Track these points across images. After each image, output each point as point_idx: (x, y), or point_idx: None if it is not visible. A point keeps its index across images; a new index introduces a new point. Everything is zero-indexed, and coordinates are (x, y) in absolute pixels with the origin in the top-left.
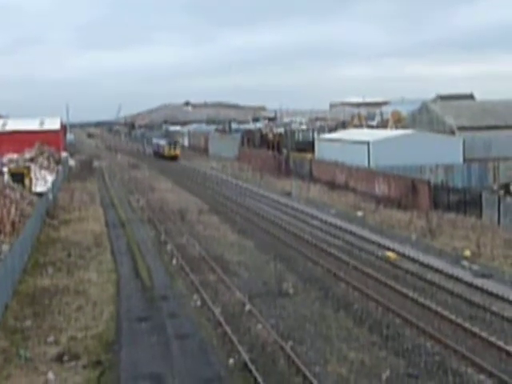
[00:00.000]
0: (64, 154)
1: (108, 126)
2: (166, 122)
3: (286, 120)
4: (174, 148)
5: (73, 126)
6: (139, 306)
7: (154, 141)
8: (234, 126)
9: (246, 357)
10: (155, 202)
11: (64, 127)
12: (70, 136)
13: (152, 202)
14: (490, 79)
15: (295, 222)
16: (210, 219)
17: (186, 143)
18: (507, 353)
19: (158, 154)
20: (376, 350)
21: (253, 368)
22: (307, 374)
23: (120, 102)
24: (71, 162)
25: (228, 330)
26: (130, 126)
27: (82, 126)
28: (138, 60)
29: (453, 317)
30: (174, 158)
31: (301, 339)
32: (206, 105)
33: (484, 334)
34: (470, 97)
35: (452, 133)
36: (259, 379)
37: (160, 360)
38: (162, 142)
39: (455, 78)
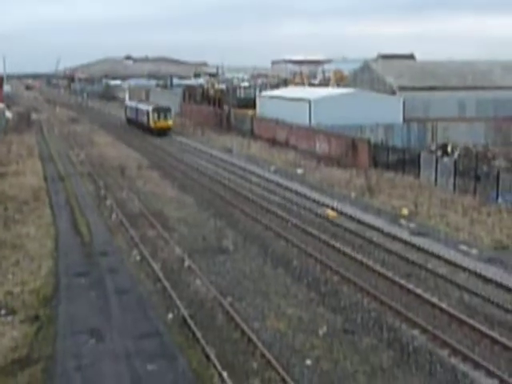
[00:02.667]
0: (0, 106)
1: (47, 78)
2: (106, 76)
3: (227, 76)
4: (165, 117)
5: (10, 77)
6: (78, 261)
7: (130, 104)
8: (175, 81)
9: (184, 312)
10: (95, 157)
11: (0, 78)
12: (6, 87)
13: (92, 156)
14: (430, 40)
15: (235, 178)
16: (151, 175)
17: (127, 98)
18: (440, 309)
19: (138, 125)
20: (314, 306)
21: (192, 323)
22: (245, 329)
23: (59, 54)
24: (8, 114)
25: (167, 285)
26: (70, 79)
27: (20, 77)
28: (78, 12)
29: (389, 274)
30: (163, 132)
31: (240, 295)
32: (147, 59)
33: (419, 291)
34: (411, 57)
35: (392, 92)
36: (198, 334)
37: (98, 315)
38: (145, 108)
39: (396, 37)
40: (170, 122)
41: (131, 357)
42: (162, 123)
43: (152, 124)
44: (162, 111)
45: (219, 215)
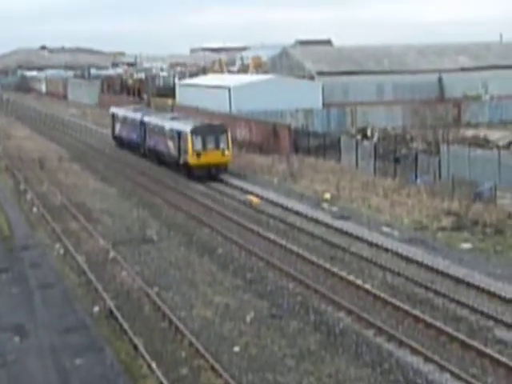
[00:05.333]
0: None
1: None
2: (20, 66)
3: (146, 65)
4: (216, 145)
5: None
6: None
7: (126, 115)
8: (93, 71)
9: (111, 304)
10: (13, 150)
11: None
12: None
13: (9, 149)
14: (347, 25)
15: (157, 168)
16: (72, 167)
17: (44, 89)
18: (365, 290)
19: (150, 154)
20: (240, 293)
21: (118, 315)
22: (173, 318)
23: None
24: None
25: (92, 277)
26: None
27: None
28: None
29: (314, 258)
30: (210, 172)
31: (166, 285)
32: (63, 50)
33: (343, 274)
34: (328, 42)
35: (311, 78)
36: (125, 326)
37: (22, 311)
38: (174, 127)
39: (314, 23)
40: (227, 154)
41: (57, 352)
42: (210, 156)
43: (191, 159)
44: (211, 133)
45: (142, 205)
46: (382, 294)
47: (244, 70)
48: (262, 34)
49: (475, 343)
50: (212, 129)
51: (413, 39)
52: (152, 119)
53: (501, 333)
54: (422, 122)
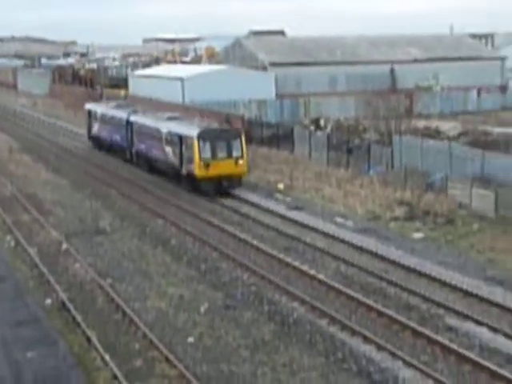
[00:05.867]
0: None
1: None
2: None
3: (98, 56)
4: (229, 153)
5: None
6: None
7: (109, 113)
8: (44, 61)
9: (63, 296)
10: None
11: None
12: None
13: None
14: (300, 16)
15: (110, 159)
16: (22, 158)
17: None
18: (318, 280)
19: (146, 162)
20: (194, 284)
21: (71, 307)
22: (126, 310)
23: None
24: None
25: (44, 270)
26: None
27: None
28: None
29: (268, 249)
30: (221, 184)
31: (120, 276)
32: (13, 39)
33: (297, 264)
34: (281, 33)
35: (264, 68)
36: (78, 318)
37: None
38: (175, 129)
39: (267, 14)
40: (242, 163)
41: (9, 345)
42: (222, 166)
43: (198, 169)
44: (223, 139)
45: (95, 196)
46: (336, 284)
47: (197, 60)
48: (216, 25)
49: (426, 331)
50: (223, 133)
51: (366, 31)
52: (142, 119)
53: (451, 321)
54: (374, 112)
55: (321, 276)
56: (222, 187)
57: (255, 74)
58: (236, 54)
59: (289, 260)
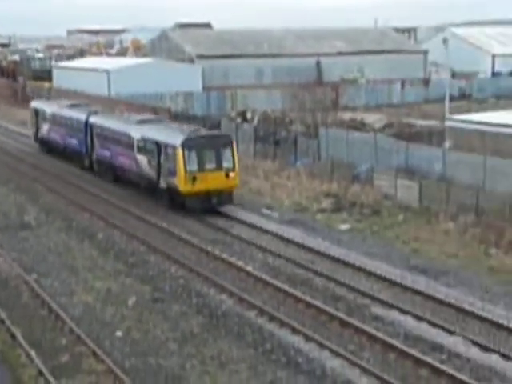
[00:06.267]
0: None
1: None
2: None
3: (20, 47)
4: (218, 164)
5: None
6: None
7: (60, 113)
8: None
9: None
10: None
11: None
12: None
13: None
14: (226, 8)
15: (35, 152)
16: None
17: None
18: (247, 272)
19: (109, 171)
20: (122, 277)
21: None
22: (53, 305)
23: None
24: None
25: None
26: None
27: None
28: None
29: (195, 241)
30: (210, 201)
31: (45, 271)
32: None
33: (224, 256)
34: (208, 25)
35: (191, 61)
36: (2, 314)
37: None
38: (149, 135)
39: (194, 6)
40: (233, 176)
41: None
42: (211, 179)
43: (183, 184)
44: (211, 147)
45: (20, 190)
46: (263, 276)
47: (123, 52)
48: (142, 17)
49: (353, 321)
50: (212, 140)
51: (292, 23)
52: (105, 121)
53: (377, 310)
54: (300, 105)
55: (249, 268)
56: (210, 204)
57: (182, 66)
58: (162, 46)
59: (216, 252)
